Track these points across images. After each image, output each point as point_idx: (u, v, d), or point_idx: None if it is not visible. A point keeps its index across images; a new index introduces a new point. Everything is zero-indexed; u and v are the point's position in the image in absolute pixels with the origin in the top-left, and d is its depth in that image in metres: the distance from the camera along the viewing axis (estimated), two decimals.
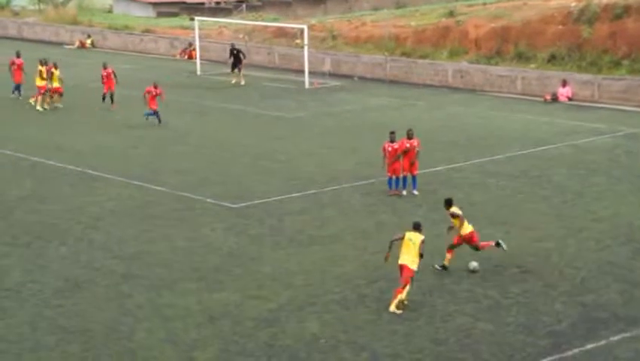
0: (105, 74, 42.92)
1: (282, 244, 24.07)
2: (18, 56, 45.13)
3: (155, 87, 38.67)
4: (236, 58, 48.62)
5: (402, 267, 19.79)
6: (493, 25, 50.71)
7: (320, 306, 19.95)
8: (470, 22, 51.93)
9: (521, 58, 48.15)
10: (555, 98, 44.04)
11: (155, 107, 38.23)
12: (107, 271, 22.15)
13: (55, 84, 42.32)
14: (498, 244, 22.14)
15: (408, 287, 19.69)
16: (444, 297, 20.33)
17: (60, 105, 42.48)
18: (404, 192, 28.22)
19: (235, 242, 24.30)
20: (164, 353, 17.91)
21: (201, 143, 35.96)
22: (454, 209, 22.08)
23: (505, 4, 56.10)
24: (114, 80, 42.66)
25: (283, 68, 53.85)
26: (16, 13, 78.39)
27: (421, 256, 19.95)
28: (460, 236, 21.90)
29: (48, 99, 42.31)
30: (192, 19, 57.59)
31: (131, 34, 65.05)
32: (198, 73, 50.96)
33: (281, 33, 58.19)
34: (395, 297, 19.64)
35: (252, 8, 71.45)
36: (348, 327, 18.83)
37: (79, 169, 31.62)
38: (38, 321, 19.32)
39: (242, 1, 75.13)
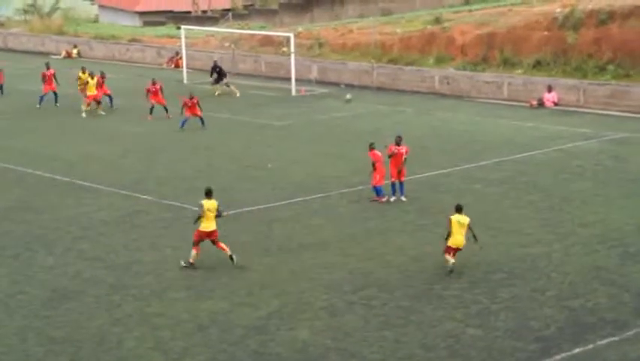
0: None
1: (271, 252, 24.11)
2: (48, 67, 45.64)
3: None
4: (220, 73, 48.51)
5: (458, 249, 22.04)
6: (478, 31, 50.92)
7: (309, 313, 19.99)
8: (456, 29, 52.14)
9: (507, 64, 48.37)
10: (541, 104, 44.25)
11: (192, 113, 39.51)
12: (96, 281, 22.14)
13: (92, 92, 43.23)
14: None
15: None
16: (432, 303, 20.40)
17: (102, 113, 43.46)
18: (392, 199, 28.31)
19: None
20: None
21: (189, 151, 35.98)
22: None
23: (491, 10, 56.39)
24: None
25: (270, 76, 53.94)
26: (0, 24, 78.29)
27: (474, 238, 22.01)
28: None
29: (93, 107, 43.44)
30: (179, 28, 57.60)
31: (118, 43, 65.05)
32: (185, 82, 51.01)
33: (267, 41, 58.29)
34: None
35: (238, 17, 71.48)
36: (337, 334, 18.88)
37: (67, 179, 31.60)
38: (27, 332, 19.29)
39: (228, 10, 75.19)
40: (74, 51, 64.82)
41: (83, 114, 42.94)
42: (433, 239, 24.54)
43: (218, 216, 22.97)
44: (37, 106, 44.78)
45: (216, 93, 48.34)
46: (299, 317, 19.82)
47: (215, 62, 49.92)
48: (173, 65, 58.33)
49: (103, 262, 23.49)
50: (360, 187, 29.43)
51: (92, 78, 43.37)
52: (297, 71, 49.03)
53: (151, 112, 41.82)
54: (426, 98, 47.33)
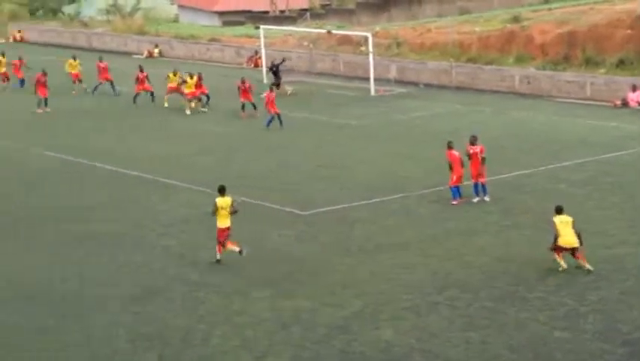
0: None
1: (352, 252, 24.15)
2: (141, 70, 46.91)
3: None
4: (275, 73, 48.55)
5: (573, 249, 21.94)
6: (559, 30, 50.28)
7: (392, 313, 19.99)
8: (536, 28, 51.55)
9: (589, 63, 47.62)
10: (625, 104, 43.49)
11: (274, 110, 39.68)
12: (181, 278, 22.46)
13: (190, 90, 44.61)
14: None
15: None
16: (516, 304, 20.23)
17: (204, 110, 44.45)
18: (476, 200, 28.09)
19: (305, 249, 24.46)
20: (239, 359, 18.12)
21: (267, 150, 36.22)
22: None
23: (571, 8, 55.62)
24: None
25: (348, 76, 53.97)
26: (85, 24, 79.71)
27: (578, 236, 21.97)
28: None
29: (193, 105, 44.51)
30: (257, 28, 57.95)
31: (197, 43, 65.72)
32: (265, 81, 51.32)
33: (345, 41, 58.31)
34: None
35: (316, 16, 71.70)
36: (422, 334, 18.85)
37: (150, 177, 32.06)
38: (117, 328, 19.66)
39: (306, 10, 75.46)
40: (156, 51, 65.68)
41: (187, 111, 43.74)
42: (516, 240, 24.36)
43: (233, 213, 23.30)
44: (134, 104, 45.92)
45: (288, 93, 48.55)
46: (382, 317, 19.84)
47: (272, 62, 50.15)
48: (252, 65, 58.72)
49: (187, 259, 23.81)
50: (440, 188, 29.28)
51: (191, 78, 44.60)
52: (375, 70, 48.99)
53: (243, 109, 42.30)
54: (505, 97, 46.87)
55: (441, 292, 21.13)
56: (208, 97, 45.22)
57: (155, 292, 21.63)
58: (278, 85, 47.70)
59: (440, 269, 22.61)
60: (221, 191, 23.34)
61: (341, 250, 24.35)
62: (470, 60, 51.61)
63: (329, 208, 27.95)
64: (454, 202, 27.87)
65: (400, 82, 51.11)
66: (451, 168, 27.99)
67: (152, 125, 41.84)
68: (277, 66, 48.48)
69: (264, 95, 41.26)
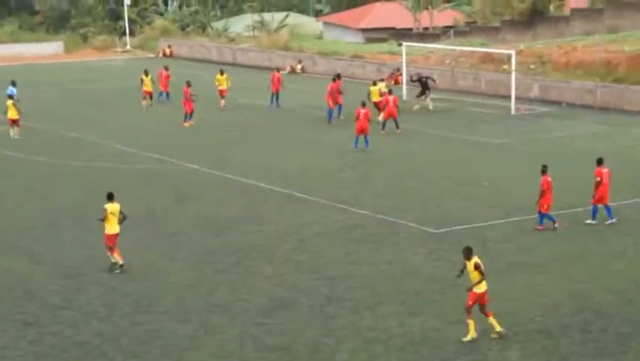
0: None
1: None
2: (339, 77, 47.45)
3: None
4: (424, 85, 48.81)
5: None
6: None
7: (522, 335, 19.69)
8: None
9: None
10: None
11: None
12: (311, 292, 22.67)
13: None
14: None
15: None
16: None
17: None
18: (609, 222, 27.42)
19: (436, 267, 24.34)
20: None
21: (405, 167, 36.20)
22: (477, 260, 20.07)
23: None
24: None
25: (490, 94, 53.45)
26: (231, 40, 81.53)
27: None
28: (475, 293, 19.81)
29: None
30: (400, 45, 58.09)
31: (340, 59, 66.26)
32: (404, 98, 51.35)
33: (488, 58, 57.80)
34: None
35: (459, 34, 71.36)
36: (550, 357, 18.49)
37: (286, 191, 32.50)
38: (245, 338, 20.00)
39: (450, 27, 75.18)
40: (298, 66, 66.58)
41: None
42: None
43: (122, 220, 23.89)
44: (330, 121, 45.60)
45: (414, 108, 48.53)
46: (511, 338, 19.55)
47: (418, 74, 50.28)
48: (392, 82, 58.78)
49: (318, 274, 24.00)
50: (579, 208, 28.65)
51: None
52: (517, 89, 48.36)
53: (383, 127, 42.25)
54: None
55: (574, 315, 20.68)
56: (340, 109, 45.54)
57: (284, 304, 21.90)
58: (422, 94, 48.14)
59: (575, 291, 22.13)
60: (110, 197, 24.10)
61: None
62: (617, 80, 50.33)
63: (465, 226, 27.73)
64: (540, 227, 27.21)
65: (542, 101, 50.30)
66: (543, 193, 27.26)
67: (288, 137, 42.34)
68: (426, 78, 48.76)
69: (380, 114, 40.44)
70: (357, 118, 38.70)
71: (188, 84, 45.77)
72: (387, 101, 42.46)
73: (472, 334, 19.46)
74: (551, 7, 72.06)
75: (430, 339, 19.64)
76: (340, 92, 46.10)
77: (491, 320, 19.65)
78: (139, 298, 22.44)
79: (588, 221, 27.69)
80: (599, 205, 27.64)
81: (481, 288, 19.68)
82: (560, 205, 29.40)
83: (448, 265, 24.36)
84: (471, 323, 19.49)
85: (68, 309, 21.87)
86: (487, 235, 26.92)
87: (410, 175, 34.80)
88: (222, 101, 50.22)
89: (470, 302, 19.61)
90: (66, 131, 44.43)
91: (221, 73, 51.14)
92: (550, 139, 41.16)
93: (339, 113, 45.86)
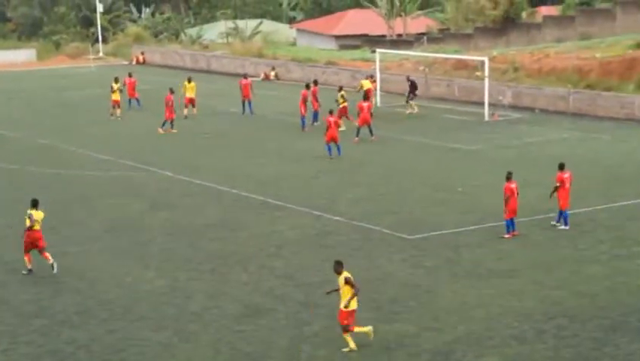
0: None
1: (459, 277, 23.97)
2: (315, 83, 47.29)
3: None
4: (412, 87, 49.57)
5: None
6: None
7: (497, 340, 19.76)
8: None
9: None
10: None
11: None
12: (287, 299, 22.66)
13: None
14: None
15: None
16: (627, 335, 19.77)
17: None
18: (562, 227, 27.67)
19: (411, 273, 24.40)
20: None
21: (379, 173, 36.26)
22: (347, 274, 19.74)
23: None
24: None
25: (463, 101, 53.68)
26: (205, 47, 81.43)
27: None
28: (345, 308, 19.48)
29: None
30: (374, 52, 58.24)
31: (314, 66, 66.30)
32: (378, 105, 51.46)
33: (461, 65, 58.06)
34: None
35: (433, 40, 71.64)
36: None
37: (261, 198, 32.47)
38: (220, 345, 19.97)
39: (423, 34, 75.47)
40: (272, 73, 66.58)
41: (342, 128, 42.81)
42: (629, 270, 23.81)
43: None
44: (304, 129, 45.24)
45: (407, 112, 48.80)
46: (486, 343, 19.63)
47: (407, 76, 50.98)
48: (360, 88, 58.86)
49: (294, 280, 24.01)
50: (552, 214, 28.83)
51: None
52: (490, 95, 48.61)
53: (357, 134, 42.21)
54: (624, 125, 45.87)
55: (549, 320, 20.78)
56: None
57: (259, 311, 21.88)
58: (409, 98, 49.01)
59: (549, 297, 22.25)
60: (35, 205, 24.60)
61: (448, 274, 24.20)
62: (589, 86, 50.69)
63: (439, 232, 27.83)
64: (507, 235, 27.27)
65: (515, 107, 50.59)
66: (507, 201, 27.37)
67: (263, 145, 42.34)
68: (412, 81, 49.77)
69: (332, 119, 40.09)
70: (329, 127, 38.66)
71: (171, 91, 45.65)
72: (361, 108, 42.42)
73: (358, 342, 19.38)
74: (524, 15, 72.42)
75: (404, 345, 19.68)
76: (317, 99, 46.14)
77: (350, 336, 19.33)
78: (113, 306, 22.35)
79: (561, 227, 27.87)
80: (565, 210, 27.76)
81: (354, 305, 19.38)
82: (532, 211, 29.60)
83: (423, 271, 24.45)
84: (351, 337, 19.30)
85: (42, 317, 21.77)
86: (461, 240, 27.03)
87: (384, 181, 34.87)
88: (186, 110, 48.92)
89: (345, 321, 19.34)
90: (38, 139, 44.20)
91: (189, 81, 49.89)
92: (523, 145, 41.38)
93: (316, 119, 45.88)
